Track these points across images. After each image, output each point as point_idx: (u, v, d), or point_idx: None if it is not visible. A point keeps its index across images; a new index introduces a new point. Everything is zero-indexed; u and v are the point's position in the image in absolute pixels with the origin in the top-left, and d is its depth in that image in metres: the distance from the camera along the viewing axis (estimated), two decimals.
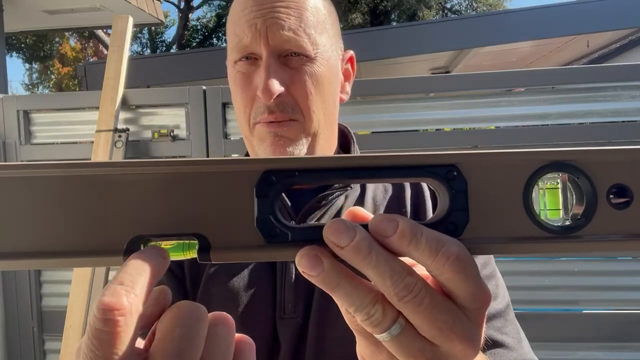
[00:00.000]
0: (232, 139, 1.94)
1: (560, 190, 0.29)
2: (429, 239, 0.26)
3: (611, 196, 0.27)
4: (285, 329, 0.66)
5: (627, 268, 1.80)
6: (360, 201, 0.74)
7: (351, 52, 0.78)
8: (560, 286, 1.80)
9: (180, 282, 0.71)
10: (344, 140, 0.81)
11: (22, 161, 2.06)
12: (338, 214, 0.72)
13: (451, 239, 0.27)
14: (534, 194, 0.28)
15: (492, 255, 0.72)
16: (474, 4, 17.09)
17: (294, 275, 0.67)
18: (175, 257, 0.28)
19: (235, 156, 1.91)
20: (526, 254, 0.28)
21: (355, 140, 0.81)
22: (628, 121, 1.82)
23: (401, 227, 0.26)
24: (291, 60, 0.67)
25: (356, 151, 0.80)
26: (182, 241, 0.28)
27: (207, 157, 1.92)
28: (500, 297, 0.67)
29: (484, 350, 0.49)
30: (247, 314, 0.67)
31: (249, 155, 0.78)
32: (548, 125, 1.86)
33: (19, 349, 2.02)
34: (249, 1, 0.66)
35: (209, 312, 0.72)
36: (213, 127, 1.93)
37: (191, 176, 0.27)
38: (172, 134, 1.99)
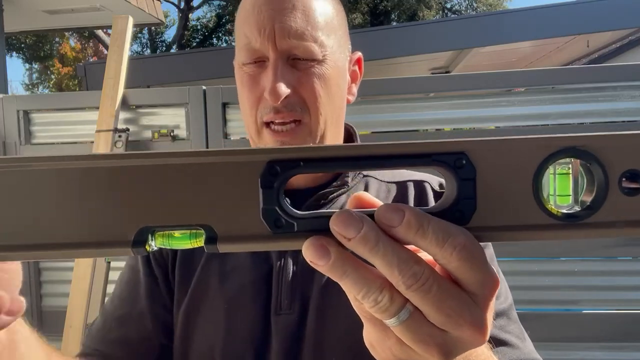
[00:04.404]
0: (232, 139, 1.94)
1: (571, 176, 0.28)
2: (435, 229, 0.26)
3: (623, 181, 0.27)
4: (279, 325, 0.67)
5: (627, 268, 1.80)
6: None
7: (359, 54, 0.79)
8: (560, 286, 1.79)
9: (154, 280, 0.72)
10: (349, 140, 0.82)
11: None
12: None
13: (458, 229, 0.27)
14: (544, 179, 0.27)
15: (494, 255, 0.72)
16: (474, 4, 17.09)
17: (291, 274, 0.68)
18: (183, 245, 0.28)
19: None
20: (534, 240, 0.28)
21: (359, 141, 0.82)
22: (628, 121, 1.82)
23: (407, 216, 0.26)
24: (299, 63, 0.67)
25: None
26: (189, 230, 0.28)
27: None
28: (503, 297, 0.68)
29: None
30: (237, 310, 0.68)
31: None
32: (548, 125, 1.86)
33: None
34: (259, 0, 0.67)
35: (200, 312, 0.72)
36: (213, 127, 1.93)
37: (197, 167, 0.27)
38: (172, 134, 1.99)
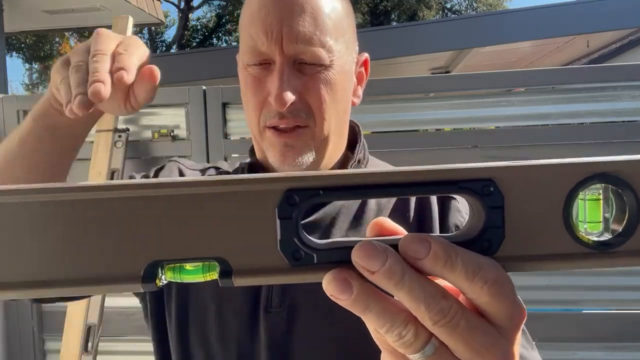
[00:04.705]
0: (232, 139, 1.94)
1: (602, 202, 0.27)
2: (464, 262, 0.25)
3: None
4: (269, 323, 0.67)
5: (627, 268, 1.80)
6: (362, 203, 0.74)
7: (366, 55, 0.78)
8: (560, 286, 1.80)
9: None
10: (353, 138, 0.80)
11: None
12: (337, 214, 0.72)
13: (487, 261, 0.26)
14: (574, 206, 0.26)
15: None
16: (474, 4, 17.11)
17: None
18: (195, 279, 0.27)
19: (235, 156, 1.91)
20: (564, 270, 0.27)
21: (362, 142, 0.80)
22: (628, 121, 1.82)
23: (434, 248, 0.25)
24: (306, 68, 0.66)
25: (362, 152, 0.79)
26: (202, 263, 0.26)
27: (207, 157, 1.93)
28: None
29: None
30: (227, 306, 0.69)
31: (253, 152, 0.79)
32: (548, 125, 1.86)
33: (19, 349, 2.02)
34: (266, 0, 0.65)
35: (189, 303, 0.75)
36: (213, 127, 1.93)
37: (209, 197, 0.25)
38: (172, 134, 1.99)
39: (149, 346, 0.79)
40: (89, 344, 1.79)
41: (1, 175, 0.66)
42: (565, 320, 1.80)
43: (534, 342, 0.66)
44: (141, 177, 0.82)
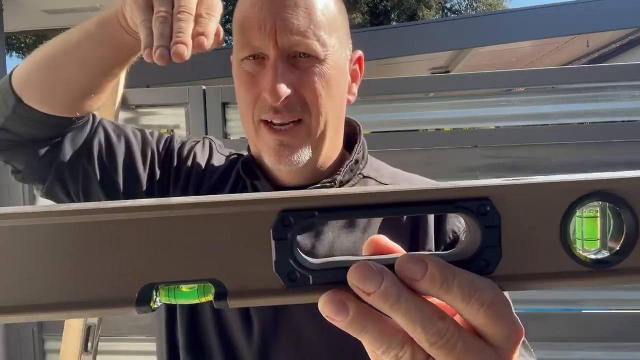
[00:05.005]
0: (232, 139, 1.94)
1: (599, 220, 0.27)
2: (461, 284, 0.25)
3: None
4: (257, 316, 0.69)
5: None
6: None
7: (360, 53, 0.78)
8: None
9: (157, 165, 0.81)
10: (353, 138, 0.80)
11: None
12: None
13: (484, 282, 0.26)
14: (571, 224, 0.26)
15: None
16: (474, 4, 17.12)
17: None
18: (190, 300, 0.26)
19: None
20: (561, 288, 0.27)
21: (362, 141, 0.80)
22: (628, 121, 1.82)
23: (431, 270, 0.25)
24: (300, 62, 0.66)
25: (361, 153, 0.79)
26: (197, 285, 0.26)
27: None
28: None
29: None
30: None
31: (250, 152, 0.78)
32: (548, 125, 1.86)
33: (19, 349, 2.02)
34: None
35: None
36: (213, 127, 1.93)
37: (203, 219, 0.25)
38: (172, 134, 1.99)
39: (149, 346, 0.80)
40: (89, 344, 1.79)
41: (50, 66, 0.73)
42: (565, 320, 1.80)
43: (532, 350, 0.66)
44: (180, 143, 0.83)
